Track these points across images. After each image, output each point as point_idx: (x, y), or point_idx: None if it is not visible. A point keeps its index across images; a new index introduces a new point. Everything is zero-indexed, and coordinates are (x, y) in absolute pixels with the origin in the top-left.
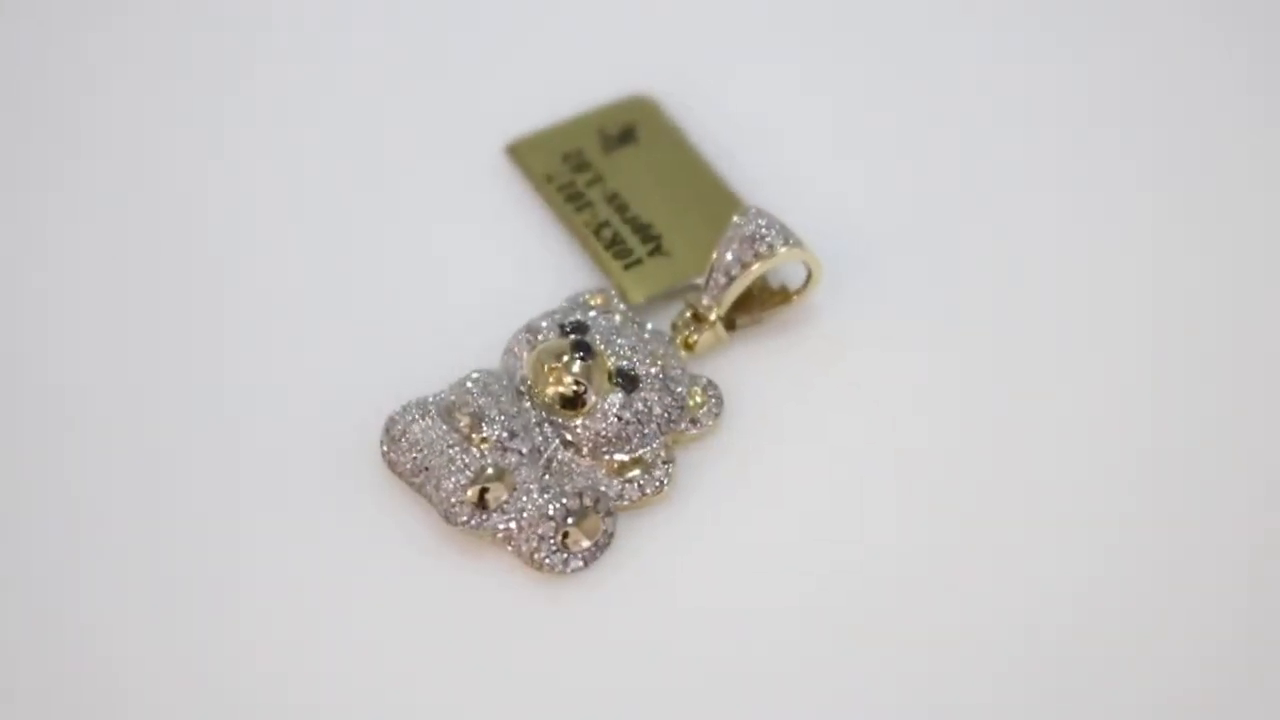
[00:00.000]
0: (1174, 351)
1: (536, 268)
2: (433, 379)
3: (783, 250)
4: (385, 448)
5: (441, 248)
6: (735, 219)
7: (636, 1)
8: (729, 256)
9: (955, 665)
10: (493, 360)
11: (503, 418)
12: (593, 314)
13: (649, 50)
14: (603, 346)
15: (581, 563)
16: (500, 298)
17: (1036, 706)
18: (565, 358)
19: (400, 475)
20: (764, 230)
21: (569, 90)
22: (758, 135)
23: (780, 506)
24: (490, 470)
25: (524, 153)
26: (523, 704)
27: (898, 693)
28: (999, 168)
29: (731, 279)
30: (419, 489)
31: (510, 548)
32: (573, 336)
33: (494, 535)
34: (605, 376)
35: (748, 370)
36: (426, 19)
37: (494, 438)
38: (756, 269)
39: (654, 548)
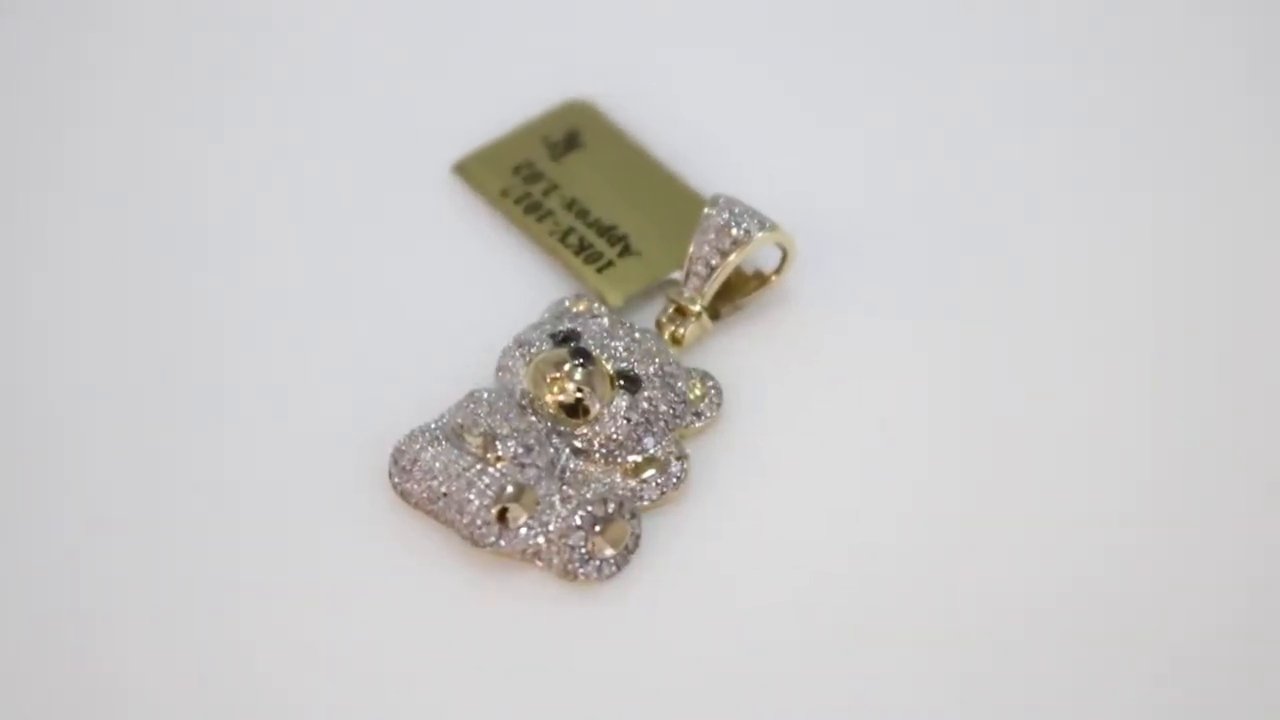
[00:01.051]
0: (1161, 341)
1: (506, 283)
2: (423, 405)
3: (759, 235)
4: (396, 479)
5: (406, 276)
6: (706, 210)
7: (557, 10)
8: (706, 248)
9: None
10: (480, 381)
11: (515, 434)
12: (579, 320)
13: (577, 55)
14: (599, 351)
15: (615, 568)
16: (475, 317)
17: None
18: (566, 366)
19: (415, 504)
20: (737, 217)
21: (500, 103)
22: (692, 129)
23: (797, 491)
24: (511, 488)
25: (473, 170)
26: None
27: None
28: (948, 153)
29: (712, 269)
30: (436, 516)
31: (540, 563)
32: (572, 344)
33: (522, 553)
34: (607, 380)
35: (734, 358)
36: (341, 47)
37: (509, 455)
38: (735, 257)
39: (681, 544)
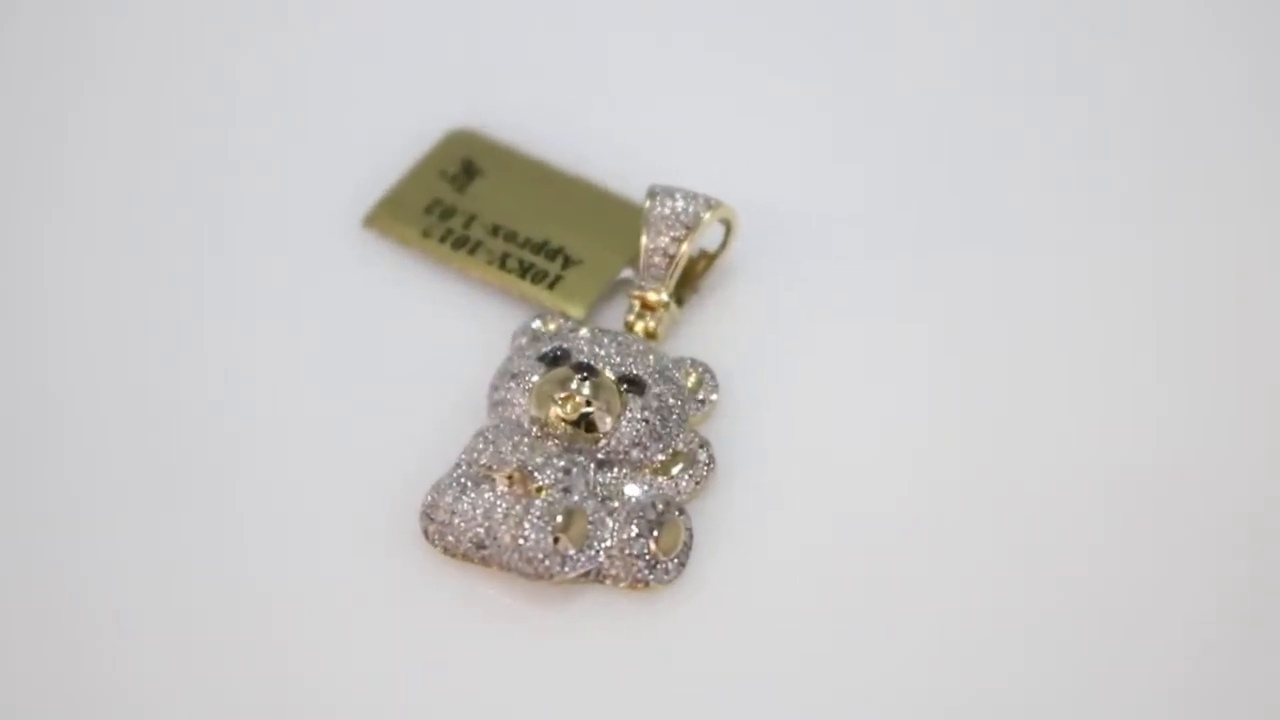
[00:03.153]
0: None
1: (454, 322)
2: (418, 460)
3: (708, 215)
4: (434, 535)
5: (350, 340)
6: (648, 202)
7: (402, 48)
8: (661, 238)
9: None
10: (460, 423)
11: (547, 461)
12: (561, 338)
13: (437, 87)
14: (595, 362)
15: (680, 566)
16: (433, 362)
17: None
18: (573, 384)
19: (462, 555)
20: (681, 203)
21: (378, 149)
22: (571, 138)
23: (815, 454)
24: (561, 515)
25: (384, 221)
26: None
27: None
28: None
29: (671, 258)
30: (486, 562)
31: (609, 580)
32: (575, 360)
33: (586, 575)
34: (613, 389)
35: (705, 339)
36: (210, 127)
37: (550, 481)
38: (689, 242)
39: (724, 530)
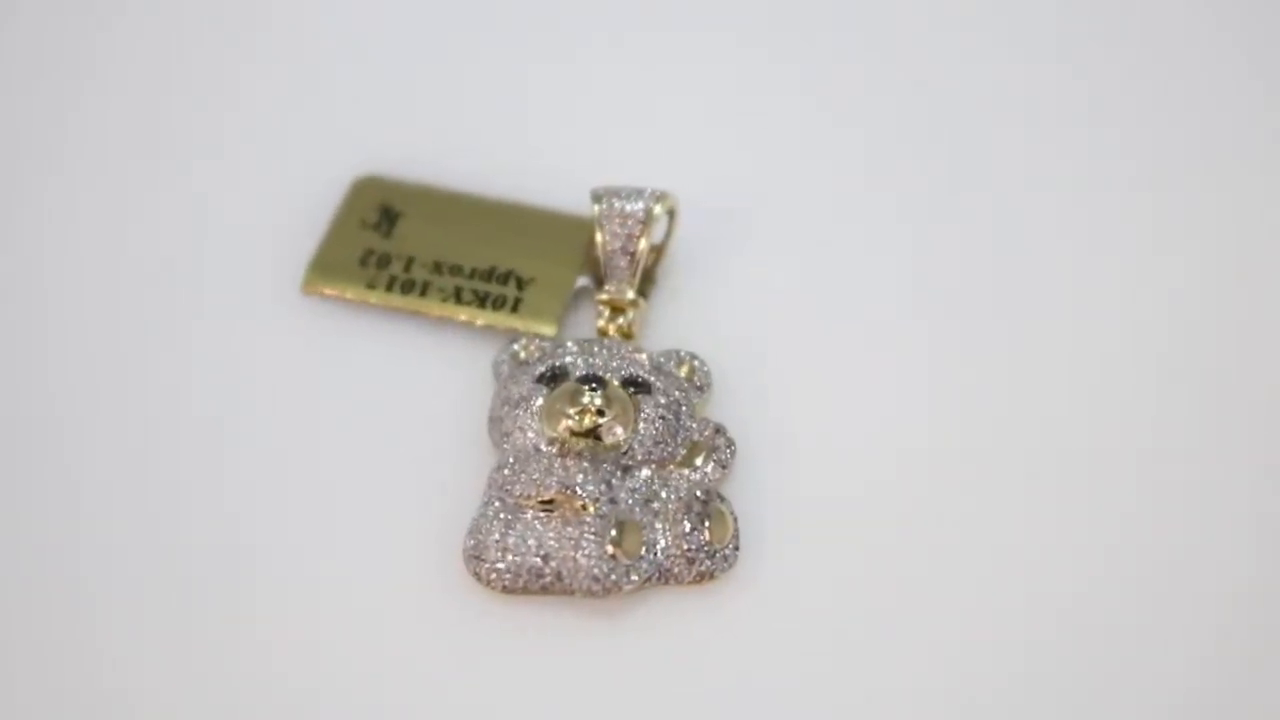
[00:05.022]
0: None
1: (418, 366)
2: (435, 506)
3: (657, 208)
4: (487, 575)
5: (322, 408)
6: (595, 206)
7: (295, 105)
8: (618, 240)
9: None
10: (468, 463)
11: (587, 477)
12: (550, 356)
13: (327, 139)
14: (595, 371)
15: (735, 550)
16: (417, 407)
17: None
18: (584, 397)
19: (521, 588)
20: (630, 200)
21: (287, 212)
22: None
23: (823, 416)
24: (615, 528)
25: (321, 282)
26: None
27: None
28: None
29: (632, 255)
30: (546, 590)
31: (670, 581)
32: (578, 374)
33: (649, 580)
34: (624, 395)
35: (677, 328)
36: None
37: (594, 496)
38: (646, 238)
39: (758, 513)
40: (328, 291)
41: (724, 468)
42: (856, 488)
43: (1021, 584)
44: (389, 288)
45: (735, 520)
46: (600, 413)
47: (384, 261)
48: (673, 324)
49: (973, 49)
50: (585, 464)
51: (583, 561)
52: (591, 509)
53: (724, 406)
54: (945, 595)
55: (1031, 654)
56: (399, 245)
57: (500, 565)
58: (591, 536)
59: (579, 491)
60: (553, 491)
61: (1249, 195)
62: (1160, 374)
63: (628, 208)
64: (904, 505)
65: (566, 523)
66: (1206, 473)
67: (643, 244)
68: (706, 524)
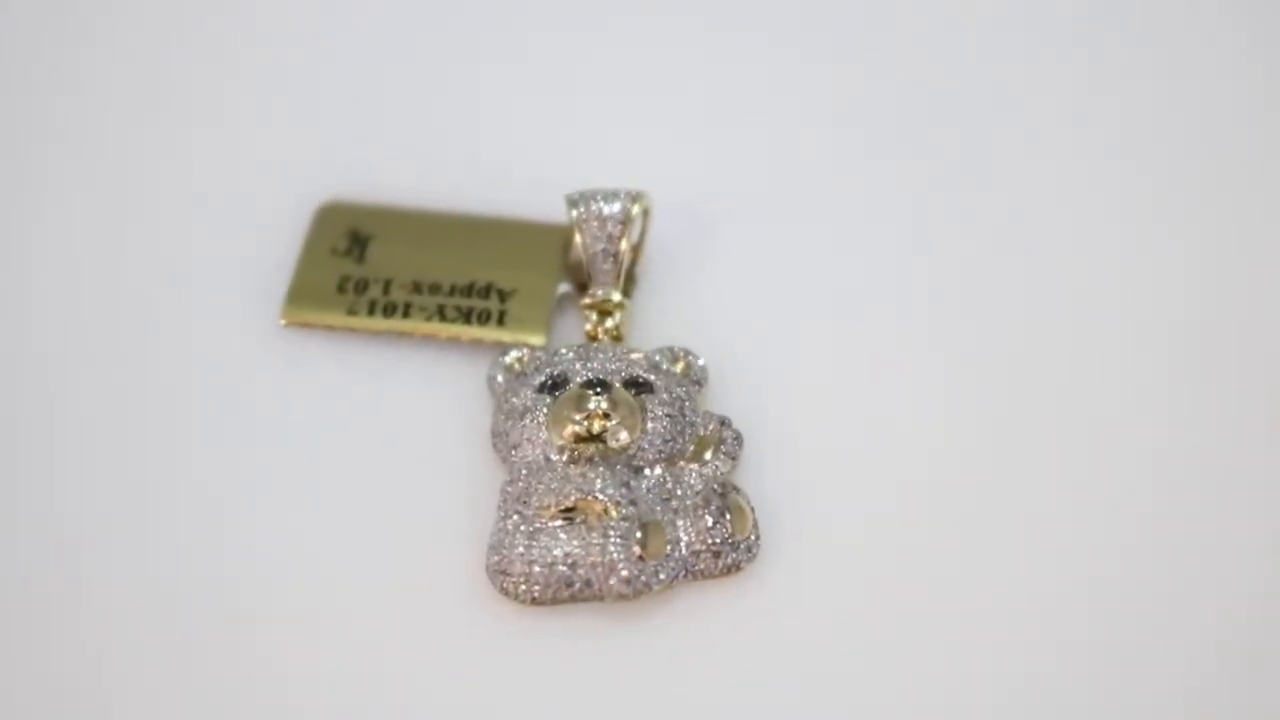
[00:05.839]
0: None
1: (408, 387)
2: (448, 525)
3: (635, 208)
4: (514, 588)
5: (318, 439)
6: (573, 211)
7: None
8: (600, 243)
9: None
10: (473, 479)
11: (606, 482)
12: (548, 365)
13: (284, 168)
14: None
15: (758, 539)
16: (413, 428)
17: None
18: (590, 402)
19: (551, 599)
20: (606, 203)
21: (252, 243)
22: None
23: (828, 401)
24: (639, 530)
25: (299, 312)
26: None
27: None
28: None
29: (615, 257)
30: (575, 598)
31: (701, 576)
32: (581, 379)
33: (677, 578)
34: (629, 396)
35: (663, 326)
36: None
37: (614, 498)
38: (627, 239)
39: (773, 499)
40: (310, 320)
41: (733, 459)
42: (855, 477)
43: (1023, 564)
44: (370, 312)
45: (753, 510)
46: (607, 416)
47: (361, 286)
48: (658, 322)
49: (957, 41)
50: (600, 468)
51: (611, 566)
52: (614, 512)
53: (717, 400)
54: (975, 576)
55: (1047, 640)
56: (374, 269)
57: (527, 578)
58: (619, 540)
59: (600, 495)
60: (573, 498)
61: (1253, 193)
62: (1171, 371)
63: (606, 210)
64: (906, 492)
65: (590, 529)
66: (1223, 470)
67: (624, 245)
68: (727, 516)
